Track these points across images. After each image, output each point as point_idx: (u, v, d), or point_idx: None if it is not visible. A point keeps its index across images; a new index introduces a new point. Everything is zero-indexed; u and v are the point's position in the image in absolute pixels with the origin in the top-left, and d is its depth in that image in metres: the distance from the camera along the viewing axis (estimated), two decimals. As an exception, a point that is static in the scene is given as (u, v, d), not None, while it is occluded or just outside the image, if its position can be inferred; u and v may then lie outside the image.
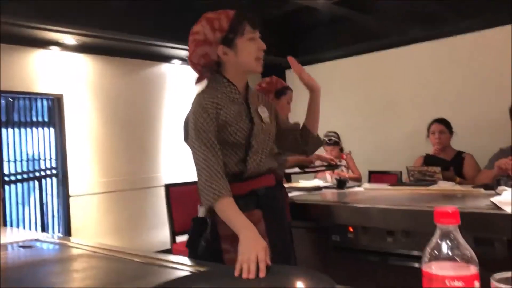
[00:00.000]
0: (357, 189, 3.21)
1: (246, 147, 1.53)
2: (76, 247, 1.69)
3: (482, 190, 2.61)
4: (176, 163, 5.22)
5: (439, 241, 0.71)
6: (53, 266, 1.49)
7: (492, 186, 2.51)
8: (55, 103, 4.60)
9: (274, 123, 1.70)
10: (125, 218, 4.90)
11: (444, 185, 3.04)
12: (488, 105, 4.05)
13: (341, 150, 4.21)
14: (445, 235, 0.71)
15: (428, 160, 3.43)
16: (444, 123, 3.58)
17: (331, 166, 3.41)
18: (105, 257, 1.52)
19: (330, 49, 5.20)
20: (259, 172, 1.56)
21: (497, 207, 2.02)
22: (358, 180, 4.00)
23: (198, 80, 1.62)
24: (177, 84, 5.39)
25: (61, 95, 4.58)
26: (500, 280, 0.66)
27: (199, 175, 1.47)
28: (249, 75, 1.61)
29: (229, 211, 1.41)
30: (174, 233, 3.45)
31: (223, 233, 1.49)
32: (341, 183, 3.25)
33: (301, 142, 1.80)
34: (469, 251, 0.70)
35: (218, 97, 1.53)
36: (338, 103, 5.17)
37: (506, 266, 0.75)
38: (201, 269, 1.29)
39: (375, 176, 4.45)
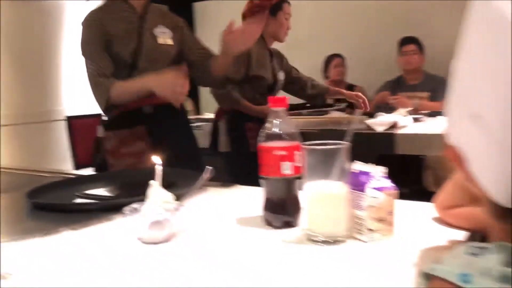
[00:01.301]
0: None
1: (132, 66, 1.58)
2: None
3: (364, 117, 2.92)
4: (79, 95, 5.06)
5: (272, 123, 0.87)
6: None
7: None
8: None
9: (187, 47, 1.71)
10: (25, 153, 4.74)
11: (335, 114, 3.36)
12: (379, 39, 4.34)
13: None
14: (276, 117, 0.87)
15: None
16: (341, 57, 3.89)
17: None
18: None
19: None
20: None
21: (369, 127, 2.32)
22: None
23: None
24: (78, 13, 5.12)
25: None
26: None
27: (90, 84, 1.54)
28: None
29: (125, 85, 1.50)
30: (77, 167, 3.45)
31: (107, 148, 1.59)
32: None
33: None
34: (294, 130, 0.87)
35: (106, 13, 1.57)
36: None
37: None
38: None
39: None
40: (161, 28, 1.64)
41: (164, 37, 1.63)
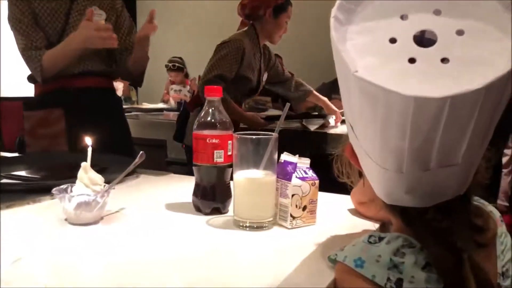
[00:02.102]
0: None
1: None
2: None
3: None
4: (7, 76, 4.79)
5: (207, 111, 0.89)
6: None
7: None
8: None
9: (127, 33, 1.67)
10: None
11: (272, 112, 3.45)
12: (316, 41, 4.48)
13: (186, 75, 4.33)
14: (211, 106, 0.89)
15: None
16: (279, 56, 3.94)
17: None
18: None
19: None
20: (69, 74, 1.54)
21: (303, 126, 2.41)
22: None
23: None
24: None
25: None
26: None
27: (23, 59, 1.50)
28: None
29: (54, 52, 1.47)
30: (4, 149, 3.27)
31: (26, 127, 1.58)
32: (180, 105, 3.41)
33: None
34: (228, 120, 0.90)
35: None
36: (186, 29, 5.21)
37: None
38: None
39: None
40: (95, 9, 1.60)
41: (97, 18, 1.59)
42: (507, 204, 2.44)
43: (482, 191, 0.60)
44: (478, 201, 0.63)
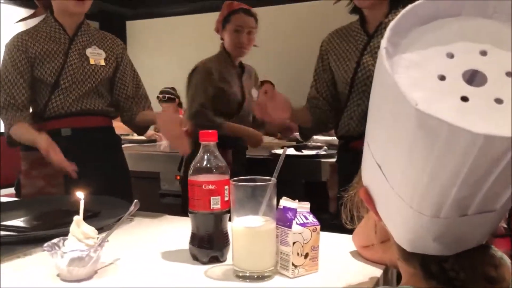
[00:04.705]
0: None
1: (54, 86, 1.53)
2: None
3: (294, 143, 3.00)
4: None
5: (202, 156, 0.87)
6: None
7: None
8: None
9: (118, 69, 1.68)
10: None
11: (266, 139, 3.44)
12: (307, 69, 4.51)
13: (180, 105, 4.30)
14: (207, 151, 0.87)
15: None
16: (271, 83, 3.96)
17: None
18: None
19: (170, 4, 5.17)
20: (66, 112, 1.54)
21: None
22: None
23: (31, 16, 1.65)
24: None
25: None
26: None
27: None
28: (75, 15, 1.58)
29: (22, 131, 1.48)
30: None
31: (22, 168, 1.57)
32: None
33: None
34: (224, 164, 0.88)
35: (33, 35, 1.55)
36: (176, 58, 5.22)
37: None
38: None
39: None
40: (94, 49, 1.61)
41: (97, 58, 1.61)
42: (505, 225, 2.42)
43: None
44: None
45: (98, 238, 0.82)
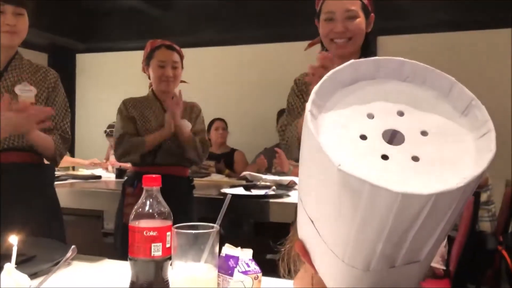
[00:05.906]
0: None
1: None
2: None
3: (243, 182, 3.01)
4: None
5: (144, 202, 0.86)
6: None
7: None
8: None
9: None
10: None
11: (216, 177, 3.43)
12: (259, 108, 4.59)
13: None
14: (150, 196, 0.86)
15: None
16: (224, 121, 4.00)
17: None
18: None
19: (120, 40, 5.16)
20: (7, 148, 1.50)
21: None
22: None
23: None
24: None
25: None
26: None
27: None
28: (5, 48, 1.54)
29: None
30: None
31: None
32: (121, 172, 3.31)
33: None
34: (167, 210, 0.87)
35: None
36: (124, 92, 5.16)
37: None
38: None
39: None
40: (25, 85, 1.56)
41: (27, 95, 1.56)
42: (444, 268, 2.50)
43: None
44: None
45: (30, 286, 0.79)
